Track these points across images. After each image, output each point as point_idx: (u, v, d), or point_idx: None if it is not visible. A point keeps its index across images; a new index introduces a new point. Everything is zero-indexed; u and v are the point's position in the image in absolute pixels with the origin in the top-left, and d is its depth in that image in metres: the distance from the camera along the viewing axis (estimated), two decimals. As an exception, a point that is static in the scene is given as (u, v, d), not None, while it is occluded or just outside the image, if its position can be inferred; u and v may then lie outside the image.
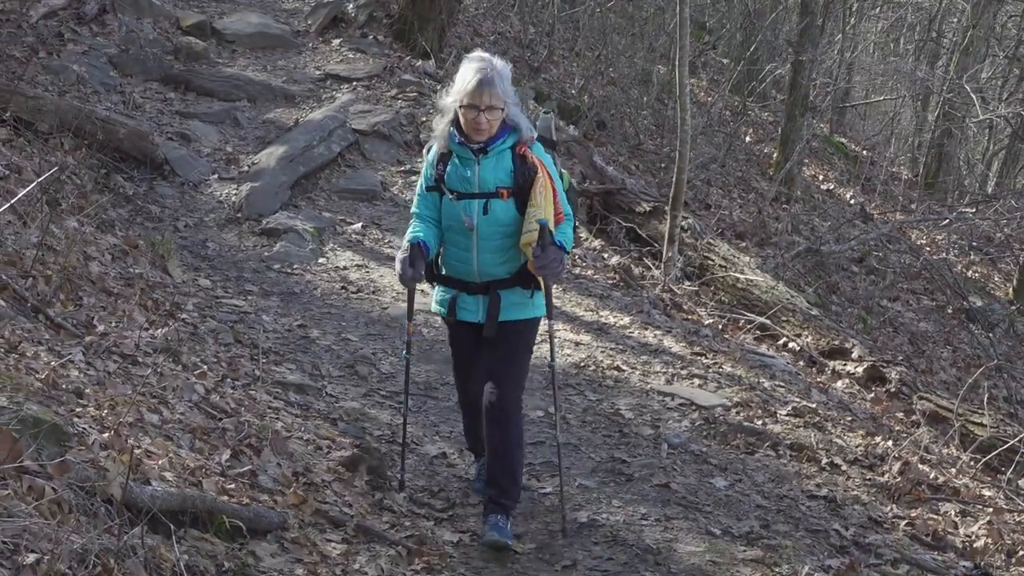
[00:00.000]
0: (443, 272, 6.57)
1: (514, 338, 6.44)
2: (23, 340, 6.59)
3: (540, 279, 6.33)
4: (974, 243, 23.25)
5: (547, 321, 6.62)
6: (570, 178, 6.76)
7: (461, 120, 6.15)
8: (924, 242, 21.95)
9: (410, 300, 6.74)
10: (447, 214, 6.33)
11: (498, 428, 6.38)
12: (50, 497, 4.98)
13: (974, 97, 22.76)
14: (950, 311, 18.30)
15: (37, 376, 6.17)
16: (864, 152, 28.32)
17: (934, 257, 20.41)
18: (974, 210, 24.17)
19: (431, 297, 6.81)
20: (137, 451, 5.82)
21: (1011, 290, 21.28)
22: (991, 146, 31.45)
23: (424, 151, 6.48)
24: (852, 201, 23.40)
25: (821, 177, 24.85)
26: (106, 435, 5.90)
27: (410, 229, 6.44)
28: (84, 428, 5.84)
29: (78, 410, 6.07)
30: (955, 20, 30.46)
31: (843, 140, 28.94)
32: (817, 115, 25.86)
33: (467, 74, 6.05)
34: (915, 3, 30.25)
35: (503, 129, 6.18)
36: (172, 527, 5.43)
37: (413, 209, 6.54)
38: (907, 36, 34.52)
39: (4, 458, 4.93)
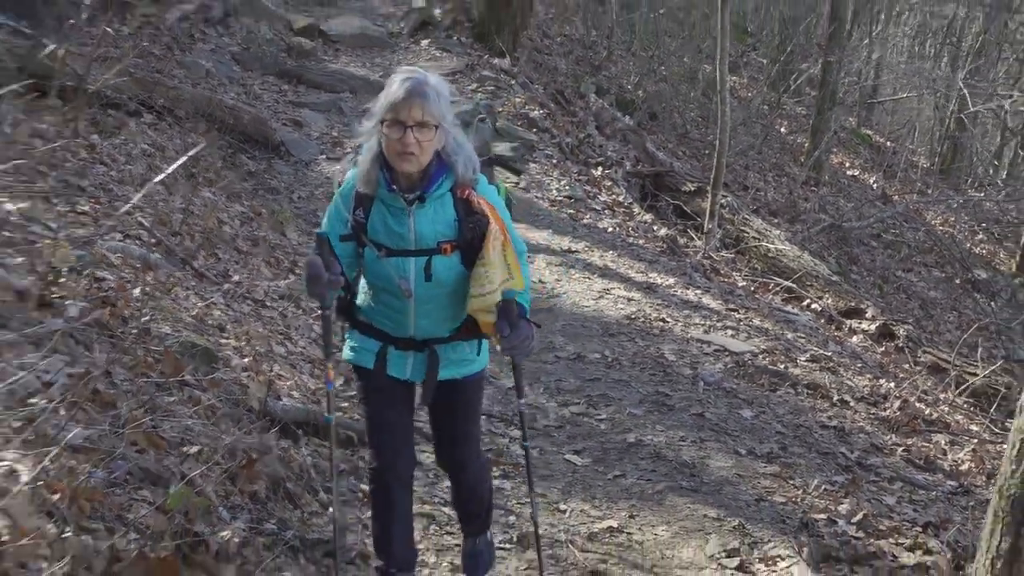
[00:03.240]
0: (363, 319, 4.60)
1: (463, 399, 4.67)
2: (176, 284, 7.16)
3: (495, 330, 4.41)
4: (983, 224, 23.42)
5: (519, 401, 4.89)
6: (506, 189, 4.71)
7: (385, 147, 4.19)
8: (938, 222, 22.15)
9: (325, 330, 4.58)
10: (373, 272, 4.41)
11: (464, 480, 4.90)
12: (205, 404, 5.56)
13: (966, 92, 22.83)
14: (957, 281, 18.54)
15: (189, 312, 6.74)
16: (887, 143, 28.48)
17: (944, 234, 20.66)
18: (982, 194, 24.33)
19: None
20: (270, 374, 6.39)
21: (1014, 265, 21.48)
22: (1001, 139, 31.41)
23: (337, 168, 4.38)
24: (874, 185, 23.62)
25: (847, 164, 25.04)
26: (246, 360, 6.49)
27: None
28: (228, 354, 6.42)
29: (222, 341, 6.64)
30: (972, 27, 30.46)
31: (869, 132, 29.10)
32: (845, 110, 26.06)
33: (393, 86, 4.16)
34: (936, 12, 30.25)
35: (438, 168, 4.27)
36: (300, 433, 6.01)
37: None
38: (932, 40, 34.52)
39: (171, 373, 5.52)
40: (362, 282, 4.52)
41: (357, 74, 16.09)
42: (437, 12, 18.41)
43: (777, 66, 24.45)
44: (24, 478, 3.85)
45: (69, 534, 3.81)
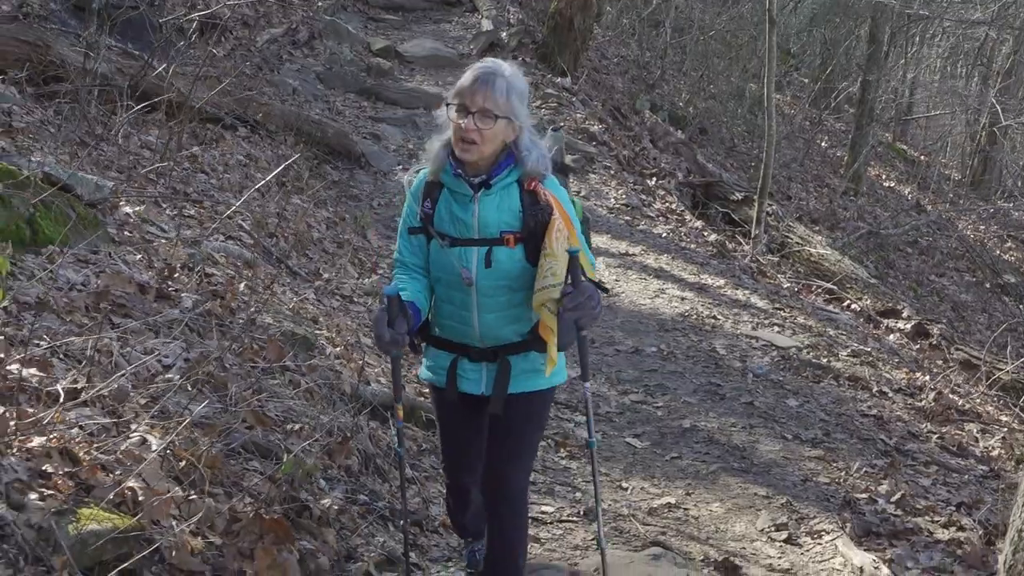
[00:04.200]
0: (436, 332, 4.30)
1: (523, 414, 4.22)
2: (274, 281, 7.36)
3: (554, 334, 4.03)
4: (1011, 232, 23.25)
5: (584, 385, 4.33)
6: (583, 209, 4.40)
7: (451, 134, 3.98)
8: (969, 230, 22.02)
9: (395, 374, 4.33)
10: (437, 263, 4.14)
11: (500, 517, 4.35)
12: (304, 387, 5.74)
13: (998, 108, 22.68)
14: (987, 285, 18.44)
15: (286, 306, 6.93)
16: (922, 157, 28.33)
17: (975, 241, 20.56)
18: (1011, 204, 24.15)
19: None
20: (360, 362, 6.56)
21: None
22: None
23: (405, 177, 4.27)
24: (909, 195, 23.50)
25: (884, 176, 24.91)
26: (338, 349, 6.67)
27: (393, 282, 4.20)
28: (323, 343, 6.61)
29: (316, 331, 6.82)
30: (1002, 48, 30.20)
31: (904, 146, 28.92)
32: (882, 125, 25.96)
33: (466, 73, 3.97)
34: (968, 34, 30.04)
35: (507, 158, 4.01)
36: (388, 415, 6.17)
37: (396, 255, 4.28)
38: (964, 60, 34.27)
39: (274, 359, 5.71)
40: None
41: (430, 92, 16.17)
42: (504, 35, 18.50)
43: (819, 85, 24.45)
44: (154, 447, 4.04)
45: (195, 497, 4.00)
